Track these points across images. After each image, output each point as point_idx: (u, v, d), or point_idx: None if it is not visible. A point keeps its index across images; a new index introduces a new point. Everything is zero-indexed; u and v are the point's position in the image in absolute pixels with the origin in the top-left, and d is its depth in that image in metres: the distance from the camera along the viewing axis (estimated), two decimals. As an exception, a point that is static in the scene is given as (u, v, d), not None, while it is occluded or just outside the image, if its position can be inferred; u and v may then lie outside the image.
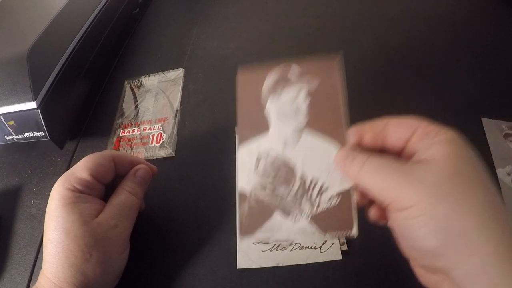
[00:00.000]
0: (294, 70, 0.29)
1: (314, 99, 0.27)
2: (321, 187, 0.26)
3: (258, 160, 0.27)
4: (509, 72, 0.39)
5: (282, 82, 0.28)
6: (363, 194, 0.24)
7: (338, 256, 0.28)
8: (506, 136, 0.34)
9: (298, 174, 0.26)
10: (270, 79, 0.29)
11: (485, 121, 0.35)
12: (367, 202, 0.24)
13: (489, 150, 0.33)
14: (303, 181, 0.26)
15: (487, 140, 0.34)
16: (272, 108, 0.28)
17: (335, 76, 0.28)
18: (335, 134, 0.26)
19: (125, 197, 0.28)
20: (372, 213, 0.23)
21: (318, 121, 0.27)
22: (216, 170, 0.36)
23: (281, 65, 0.29)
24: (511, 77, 0.39)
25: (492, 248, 0.17)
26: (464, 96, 0.38)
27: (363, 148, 0.24)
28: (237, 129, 0.30)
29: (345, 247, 0.28)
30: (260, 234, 0.26)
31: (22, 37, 0.41)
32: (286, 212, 0.26)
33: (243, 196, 0.27)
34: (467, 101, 0.37)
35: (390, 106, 0.38)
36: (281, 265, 0.28)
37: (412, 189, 0.19)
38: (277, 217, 0.26)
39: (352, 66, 0.42)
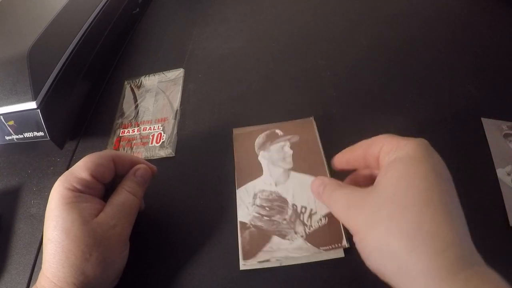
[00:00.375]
0: (279, 131, 0.36)
1: (297, 148, 0.34)
2: (310, 211, 0.30)
3: (254, 196, 0.32)
4: (509, 72, 0.39)
5: (270, 139, 0.36)
6: None
7: (341, 254, 0.28)
8: (506, 136, 0.34)
9: (290, 204, 0.31)
10: (260, 137, 0.36)
11: (485, 121, 0.35)
12: None
13: (489, 150, 0.33)
14: (295, 209, 0.31)
15: (487, 140, 0.34)
16: (264, 158, 0.34)
17: (312, 131, 0.35)
18: (317, 172, 0.32)
19: (125, 196, 0.28)
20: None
21: (302, 163, 0.33)
22: (216, 170, 0.35)
23: (268, 130, 0.36)
24: (511, 77, 0.39)
25: (425, 269, 0.17)
26: (464, 96, 0.38)
27: (351, 171, 0.28)
28: (236, 175, 0.34)
29: (348, 245, 0.28)
30: (261, 256, 0.29)
31: (22, 37, 0.41)
32: (283, 235, 0.29)
33: (243, 224, 0.31)
34: (467, 101, 0.37)
35: (390, 107, 0.38)
36: (283, 264, 0.28)
37: (355, 217, 0.21)
38: (275, 240, 0.29)
39: (351, 66, 0.42)
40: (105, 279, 0.26)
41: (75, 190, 0.26)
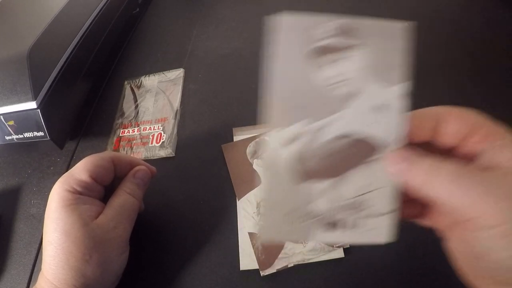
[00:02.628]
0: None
1: None
2: None
3: (258, 206, 0.32)
4: (509, 72, 0.39)
5: (261, 146, 0.35)
6: (408, 202, 0.21)
7: (341, 254, 0.28)
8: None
9: None
10: (250, 146, 0.35)
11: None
12: (413, 211, 0.22)
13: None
14: None
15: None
16: (258, 165, 0.34)
17: None
18: None
19: (125, 198, 0.28)
20: (409, 213, 0.21)
21: None
22: (216, 170, 0.35)
23: (258, 137, 0.35)
24: (511, 77, 0.39)
25: None
26: (464, 95, 0.38)
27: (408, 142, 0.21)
28: (234, 187, 0.33)
29: (347, 245, 0.28)
30: (278, 263, 0.28)
31: (22, 37, 0.41)
32: (295, 240, 0.29)
33: (253, 235, 0.30)
34: (467, 101, 0.37)
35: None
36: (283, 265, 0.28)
37: (498, 207, 0.17)
38: (288, 245, 0.29)
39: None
40: (105, 281, 0.26)
41: (74, 192, 0.26)
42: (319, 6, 0.52)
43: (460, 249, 0.20)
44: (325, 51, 0.21)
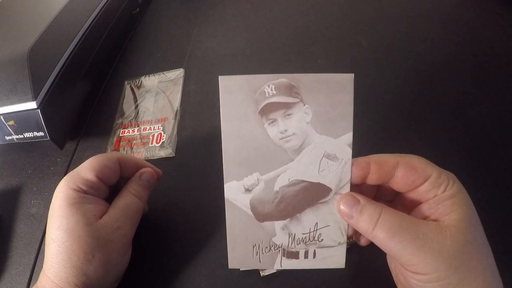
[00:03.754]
0: None
1: None
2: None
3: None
4: (509, 72, 0.39)
5: None
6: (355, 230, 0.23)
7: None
8: None
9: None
10: None
11: (485, 121, 0.35)
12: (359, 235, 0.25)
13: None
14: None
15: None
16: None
17: None
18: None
19: (130, 199, 0.28)
20: (363, 242, 0.25)
21: None
22: (216, 170, 0.35)
23: None
24: (511, 77, 0.39)
25: None
26: (464, 96, 0.38)
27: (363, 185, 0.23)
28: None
29: (347, 245, 0.28)
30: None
31: (22, 37, 0.41)
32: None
33: None
34: (467, 101, 0.37)
35: (389, 106, 0.38)
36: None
37: (432, 259, 0.19)
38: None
39: (351, 66, 0.42)
40: (106, 281, 0.26)
41: (80, 190, 0.26)
42: (320, 5, 0.52)
43: (401, 281, 0.23)
44: (271, 108, 0.23)
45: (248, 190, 0.24)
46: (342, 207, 0.22)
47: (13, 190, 0.39)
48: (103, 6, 0.48)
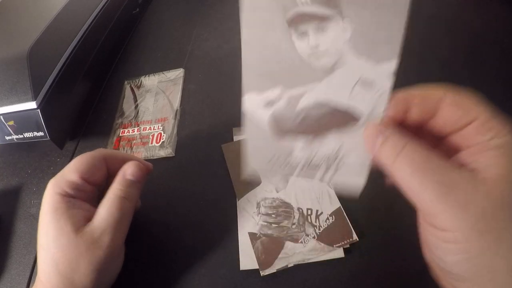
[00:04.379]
0: None
1: None
2: (316, 212, 0.30)
3: (258, 205, 0.32)
4: (509, 72, 0.39)
5: None
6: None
7: (341, 254, 0.28)
8: None
9: (295, 208, 0.31)
10: None
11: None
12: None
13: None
14: (301, 212, 0.31)
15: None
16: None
17: None
18: None
19: (116, 201, 0.26)
20: (387, 181, 0.20)
21: None
22: (216, 170, 0.35)
23: None
24: (511, 77, 0.39)
25: None
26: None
27: (400, 122, 0.20)
28: (234, 187, 0.33)
29: (347, 245, 0.28)
30: (278, 263, 0.28)
31: (22, 37, 0.41)
32: (295, 239, 0.29)
33: (253, 235, 0.30)
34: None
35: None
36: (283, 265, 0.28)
37: (454, 212, 0.16)
38: (288, 245, 0.29)
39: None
40: (97, 285, 0.25)
41: (65, 194, 0.25)
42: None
43: (422, 239, 0.19)
44: (302, 18, 0.19)
45: (269, 104, 0.21)
46: (367, 133, 0.19)
47: (13, 190, 0.39)
48: (103, 6, 0.48)
